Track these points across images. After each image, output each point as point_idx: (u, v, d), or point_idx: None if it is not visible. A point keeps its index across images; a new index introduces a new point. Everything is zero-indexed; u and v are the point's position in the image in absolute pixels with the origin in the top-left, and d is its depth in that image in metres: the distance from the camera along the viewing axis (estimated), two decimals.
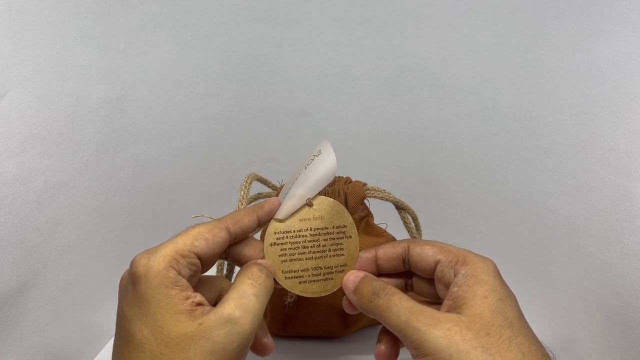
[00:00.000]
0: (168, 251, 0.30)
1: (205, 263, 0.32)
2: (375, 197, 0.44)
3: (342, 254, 0.36)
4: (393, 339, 0.34)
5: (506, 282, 0.32)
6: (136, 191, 0.56)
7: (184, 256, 0.30)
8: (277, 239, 0.36)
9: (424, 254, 0.34)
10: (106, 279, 0.49)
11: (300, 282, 0.36)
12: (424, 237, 0.48)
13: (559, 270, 0.50)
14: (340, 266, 0.36)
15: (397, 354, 0.34)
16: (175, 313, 0.29)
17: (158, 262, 0.30)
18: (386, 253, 0.35)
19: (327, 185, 0.38)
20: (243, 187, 0.41)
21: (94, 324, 0.50)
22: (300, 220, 0.36)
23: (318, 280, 0.36)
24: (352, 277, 0.35)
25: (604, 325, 0.44)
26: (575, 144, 0.48)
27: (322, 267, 0.36)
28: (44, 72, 0.43)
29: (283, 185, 0.41)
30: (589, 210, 0.46)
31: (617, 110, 0.44)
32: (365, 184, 0.44)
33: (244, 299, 0.30)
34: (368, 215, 0.45)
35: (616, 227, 0.43)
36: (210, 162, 0.64)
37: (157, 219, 0.59)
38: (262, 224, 0.36)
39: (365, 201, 0.44)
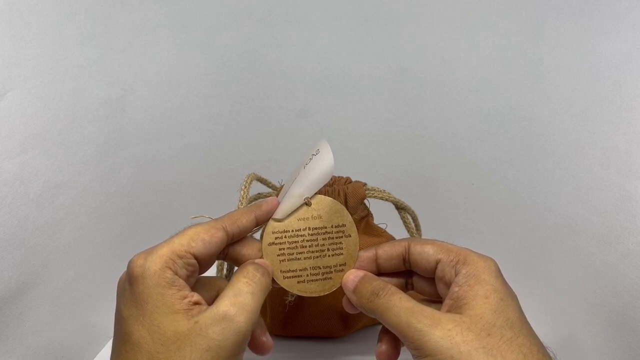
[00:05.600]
0: (165, 252, 0.30)
1: (203, 263, 0.32)
2: (375, 197, 0.44)
3: (341, 254, 0.36)
4: (394, 338, 0.34)
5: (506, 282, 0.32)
6: (136, 191, 0.56)
7: (180, 256, 0.30)
8: (276, 238, 0.36)
9: (425, 253, 0.33)
10: (106, 279, 0.48)
11: (298, 282, 0.36)
12: (424, 237, 0.48)
13: (559, 270, 0.50)
14: (339, 265, 0.36)
15: (398, 354, 0.34)
16: (172, 313, 0.29)
17: (155, 263, 0.30)
18: (386, 252, 0.35)
19: (326, 185, 0.38)
20: (243, 187, 0.41)
21: (94, 324, 0.50)
22: (299, 219, 0.36)
23: (317, 280, 0.36)
24: (351, 277, 0.35)
25: (604, 325, 0.44)
26: (575, 144, 0.48)
27: (321, 267, 0.36)
28: (44, 72, 0.43)
29: (283, 186, 0.41)
30: (589, 210, 0.46)
31: (617, 110, 0.44)
32: (365, 184, 0.44)
33: (240, 297, 0.30)
34: (368, 215, 0.45)
35: (616, 227, 0.43)
36: (210, 162, 0.64)
37: (157, 219, 0.59)
38: (260, 223, 0.36)
39: (365, 201, 0.44)
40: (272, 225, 0.36)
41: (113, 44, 0.51)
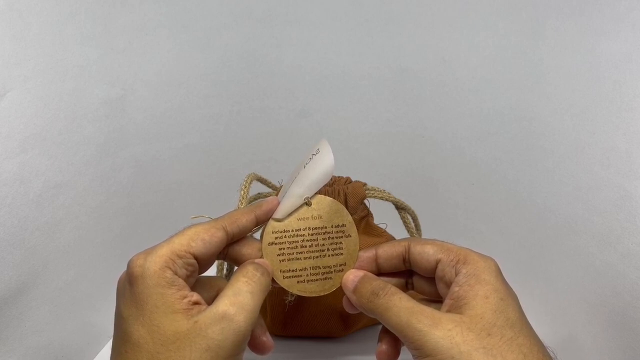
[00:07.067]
0: (164, 251, 0.30)
1: (203, 263, 0.32)
2: (375, 197, 0.44)
3: (341, 254, 0.36)
4: (394, 338, 0.34)
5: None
6: (136, 191, 0.56)
7: (180, 256, 0.30)
8: (276, 238, 0.36)
9: (425, 252, 0.33)
10: (106, 279, 0.48)
11: (298, 282, 0.36)
12: (424, 237, 0.48)
13: (559, 270, 0.50)
14: (339, 265, 0.36)
15: (398, 353, 0.34)
16: (172, 312, 0.29)
17: (154, 263, 0.30)
18: (386, 252, 0.35)
19: (326, 185, 0.38)
20: (243, 187, 0.41)
21: (94, 324, 0.50)
22: (299, 219, 0.36)
23: (316, 280, 0.36)
24: (351, 277, 0.35)
25: (604, 325, 0.44)
26: (575, 144, 0.48)
27: (321, 267, 0.36)
28: (44, 72, 0.43)
29: (283, 185, 0.41)
30: (589, 210, 0.46)
31: (617, 110, 0.44)
32: (365, 184, 0.44)
33: (239, 296, 0.30)
34: (368, 215, 0.45)
35: (616, 227, 0.43)
36: (210, 162, 0.64)
37: (157, 219, 0.59)
38: (260, 223, 0.36)
39: (365, 201, 0.44)
40: (272, 225, 0.36)
41: (113, 44, 0.51)
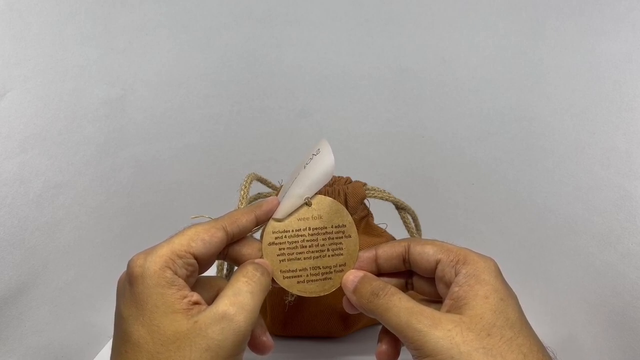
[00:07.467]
0: (164, 251, 0.30)
1: (203, 263, 0.32)
2: (375, 197, 0.44)
3: (341, 254, 0.36)
4: (394, 338, 0.34)
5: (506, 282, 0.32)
6: (136, 191, 0.56)
7: (180, 256, 0.30)
8: (276, 238, 0.36)
9: (425, 253, 0.33)
10: (106, 279, 0.48)
11: (298, 282, 0.36)
12: (424, 237, 0.48)
13: (559, 270, 0.50)
14: (339, 266, 0.36)
15: (398, 353, 0.34)
16: (172, 312, 0.29)
17: (154, 263, 0.30)
18: (386, 252, 0.35)
19: (326, 185, 0.38)
20: (243, 187, 0.41)
21: (94, 324, 0.50)
22: (299, 219, 0.36)
23: (316, 280, 0.36)
24: (351, 277, 0.35)
25: (604, 325, 0.44)
26: (575, 144, 0.48)
27: (321, 267, 0.36)
28: (44, 72, 0.43)
29: (283, 185, 0.41)
30: (589, 210, 0.46)
31: (617, 110, 0.44)
32: (365, 184, 0.44)
33: (239, 296, 0.30)
34: (368, 215, 0.45)
35: (616, 227, 0.43)
36: (210, 162, 0.64)
37: (157, 219, 0.59)
38: (260, 223, 0.36)
39: (365, 201, 0.44)
40: (272, 225, 0.36)
41: (113, 44, 0.51)
